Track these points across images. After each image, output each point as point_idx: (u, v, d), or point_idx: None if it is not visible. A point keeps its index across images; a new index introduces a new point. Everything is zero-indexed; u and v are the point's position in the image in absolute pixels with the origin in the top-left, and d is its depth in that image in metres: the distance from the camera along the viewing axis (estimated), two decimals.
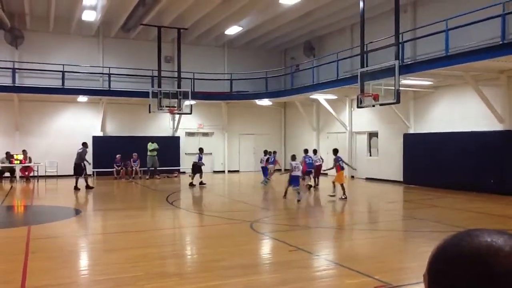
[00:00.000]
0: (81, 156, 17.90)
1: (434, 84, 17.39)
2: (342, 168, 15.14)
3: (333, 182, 15.14)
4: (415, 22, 18.90)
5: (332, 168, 15.43)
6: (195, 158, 19.60)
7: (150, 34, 24.33)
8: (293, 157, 15.42)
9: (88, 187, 17.83)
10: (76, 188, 17.48)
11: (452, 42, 14.52)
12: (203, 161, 19.75)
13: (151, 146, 22.49)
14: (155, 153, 22.56)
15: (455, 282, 0.79)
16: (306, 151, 18.54)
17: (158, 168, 22.67)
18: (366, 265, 6.55)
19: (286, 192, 14.89)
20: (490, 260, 0.77)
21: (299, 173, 14.81)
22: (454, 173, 16.23)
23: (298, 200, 14.10)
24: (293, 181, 14.53)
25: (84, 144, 18.44)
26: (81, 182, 17.91)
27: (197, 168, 19.21)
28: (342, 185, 14.67)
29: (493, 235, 0.81)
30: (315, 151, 20.24)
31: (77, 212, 12.12)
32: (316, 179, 18.74)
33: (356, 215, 12.96)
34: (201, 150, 19.95)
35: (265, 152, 21.19)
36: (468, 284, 0.77)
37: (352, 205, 14.87)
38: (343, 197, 14.47)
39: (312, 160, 18.20)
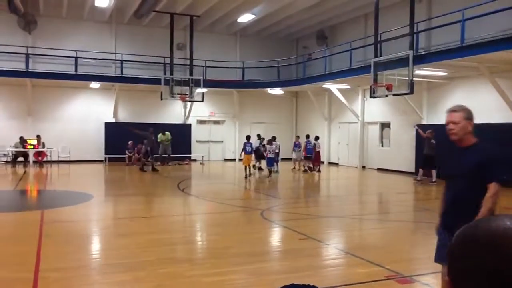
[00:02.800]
0: (149, 141, 19.99)
1: (448, 75, 17.19)
2: (249, 153, 17.96)
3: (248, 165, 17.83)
4: (430, 12, 18.64)
5: (241, 153, 18.50)
6: (257, 144, 20.66)
7: (162, 21, 24.29)
8: (269, 142, 18.51)
9: (153, 169, 19.65)
10: (154, 169, 19.69)
11: (468, 32, 14.31)
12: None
13: (161, 137, 22.33)
14: (167, 142, 22.65)
15: (471, 265, 0.78)
16: (307, 136, 20.82)
17: (170, 155, 22.78)
18: (376, 255, 6.55)
19: (270, 172, 18.17)
20: (505, 243, 0.75)
21: (272, 155, 18.08)
22: None
23: (268, 175, 17.82)
24: (269, 162, 18.05)
25: (148, 130, 20.09)
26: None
27: (260, 154, 20.46)
28: (246, 166, 17.68)
29: None
30: (316, 138, 20.84)
31: (89, 197, 12.24)
32: (318, 164, 20.57)
33: (366, 205, 12.93)
34: (259, 136, 21.26)
35: (259, 137, 21.19)
36: (483, 266, 0.76)
37: (363, 195, 14.87)
38: (248, 175, 17.52)
39: (310, 146, 20.24)
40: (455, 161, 3.85)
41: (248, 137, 18.75)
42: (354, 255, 6.61)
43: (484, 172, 3.52)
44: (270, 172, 18.17)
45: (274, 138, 19.13)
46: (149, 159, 20.11)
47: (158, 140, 22.32)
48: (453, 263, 0.82)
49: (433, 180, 15.86)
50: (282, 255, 6.99)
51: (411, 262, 6.50)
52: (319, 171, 20.28)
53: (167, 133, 22.46)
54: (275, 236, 8.53)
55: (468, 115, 3.71)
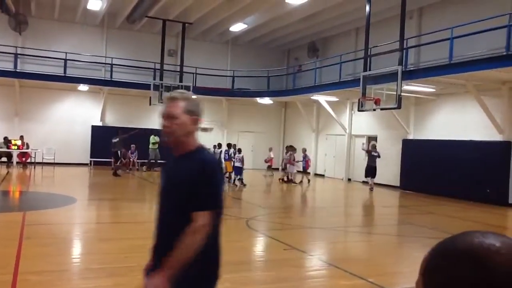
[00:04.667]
0: (115, 145, 19.74)
1: (436, 92, 17.39)
2: (226, 160, 18.70)
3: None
4: (420, 29, 18.91)
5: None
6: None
7: (154, 27, 24.29)
8: (239, 151, 18.51)
9: (115, 174, 19.31)
10: (115, 175, 19.18)
11: (456, 50, 14.52)
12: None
13: (153, 139, 22.49)
14: (156, 145, 22.59)
15: (453, 278, 0.80)
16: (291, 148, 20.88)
17: (158, 161, 22.68)
18: (360, 267, 6.56)
19: (234, 180, 18.25)
20: (490, 256, 0.79)
21: (240, 164, 17.98)
22: (451, 181, 16.24)
23: (236, 185, 17.74)
24: (236, 171, 18.03)
25: (118, 133, 19.96)
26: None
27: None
28: (228, 173, 18.46)
29: (485, 234, 0.84)
30: (288, 148, 21.17)
31: (73, 200, 12.10)
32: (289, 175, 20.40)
33: (351, 217, 12.97)
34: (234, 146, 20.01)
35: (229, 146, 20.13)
36: (467, 279, 0.78)
37: (347, 207, 14.92)
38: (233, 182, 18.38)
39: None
40: (166, 175, 2.67)
41: (228, 145, 19.63)
42: (338, 267, 6.61)
43: (195, 193, 2.39)
44: (240, 180, 17.89)
45: (240, 150, 18.77)
46: (118, 163, 19.81)
47: (152, 141, 22.32)
48: (433, 275, 0.83)
49: (371, 187, 18.16)
50: (266, 265, 6.96)
51: (394, 276, 6.52)
52: (287, 181, 20.02)
53: (156, 136, 22.51)
54: (260, 246, 8.50)
55: (192, 108, 2.51)
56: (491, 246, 0.80)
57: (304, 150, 20.88)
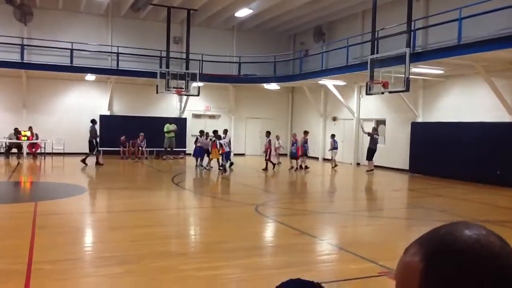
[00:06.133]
0: (90, 133, 19.11)
1: (444, 73, 17.22)
2: (216, 147, 18.46)
3: (211, 158, 18.72)
4: (427, 10, 18.65)
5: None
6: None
7: (159, 15, 24.19)
8: (225, 131, 18.49)
9: (97, 163, 18.85)
10: (83, 162, 18.56)
11: (465, 31, 14.33)
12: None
13: (168, 127, 22.58)
14: (172, 134, 22.66)
15: (459, 275, 0.75)
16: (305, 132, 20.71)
17: (167, 149, 22.78)
18: (370, 251, 6.56)
19: (226, 166, 18.34)
20: (500, 254, 0.76)
21: (228, 149, 17.98)
22: (460, 163, 16.15)
23: (224, 171, 17.75)
24: (225, 156, 18.06)
25: (93, 121, 19.40)
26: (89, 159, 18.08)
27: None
28: (217, 159, 18.50)
29: (471, 227, 0.80)
30: (268, 133, 20.52)
31: (83, 189, 12.20)
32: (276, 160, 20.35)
33: (361, 202, 12.97)
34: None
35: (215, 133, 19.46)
36: (471, 276, 0.75)
37: (357, 192, 14.93)
38: (220, 168, 18.29)
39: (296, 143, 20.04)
40: None
41: (214, 132, 19.28)
42: (348, 251, 6.62)
43: None
44: (224, 166, 17.98)
45: (225, 131, 19.02)
46: (94, 152, 19.24)
47: (166, 130, 22.38)
48: (431, 270, 0.78)
49: (369, 169, 18.68)
50: (276, 250, 6.99)
51: None
52: (265, 169, 18.94)
53: (172, 125, 22.62)
54: (269, 231, 8.54)
55: None
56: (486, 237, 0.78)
57: (294, 135, 20.40)
